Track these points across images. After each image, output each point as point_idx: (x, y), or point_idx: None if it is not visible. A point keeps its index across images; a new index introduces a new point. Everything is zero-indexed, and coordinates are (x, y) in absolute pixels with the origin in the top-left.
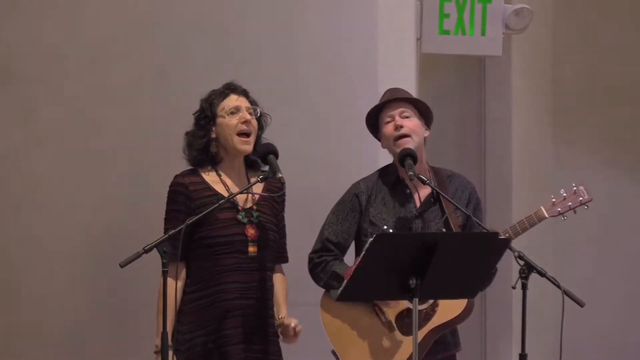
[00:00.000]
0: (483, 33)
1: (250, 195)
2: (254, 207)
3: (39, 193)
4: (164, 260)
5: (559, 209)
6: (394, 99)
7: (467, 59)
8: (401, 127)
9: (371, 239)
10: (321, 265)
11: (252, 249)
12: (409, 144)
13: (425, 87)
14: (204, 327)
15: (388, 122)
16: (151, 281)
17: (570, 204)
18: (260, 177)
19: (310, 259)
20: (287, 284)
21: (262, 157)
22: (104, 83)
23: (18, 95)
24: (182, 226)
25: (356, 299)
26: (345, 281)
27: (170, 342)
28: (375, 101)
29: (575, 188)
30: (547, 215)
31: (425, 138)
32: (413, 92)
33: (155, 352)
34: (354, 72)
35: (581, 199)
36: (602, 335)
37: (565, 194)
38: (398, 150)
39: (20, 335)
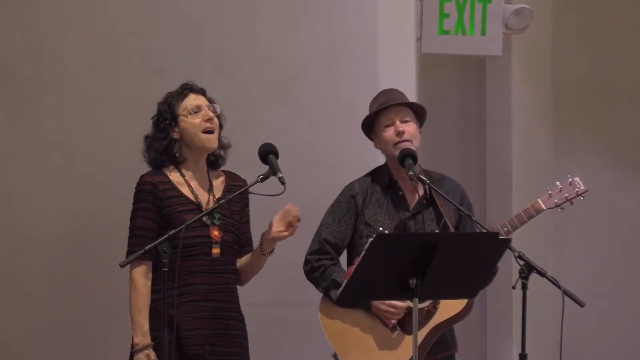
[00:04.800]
0: (483, 33)
1: (212, 197)
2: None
3: (38, 192)
4: (164, 260)
5: (556, 201)
6: (395, 104)
7: (467, 59)
8: (403, 133)
9: (371, 239)
10: (319, 270)
11: (215, 251)
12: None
13: (425, 87)
14: (166, 326)
15: (388, 126)
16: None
17: (566, 195)
18: (261, 177)
19: (308, 261)
20: None
21: (263, 157)
22: (104, 83)
23: (18, 95)
24: (182, 226)
25: (356, 299)
26: (345, 282)
27: (151, 342)
28: None
29: (570, 179)
30: (544, 207)
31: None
32: (413, 92)
33: (134, 351)
34: (354, 72)
35: (577, 189)
36: (602, 335)
37: (560, 186)
38: (397, 152)
39: (16, 334)
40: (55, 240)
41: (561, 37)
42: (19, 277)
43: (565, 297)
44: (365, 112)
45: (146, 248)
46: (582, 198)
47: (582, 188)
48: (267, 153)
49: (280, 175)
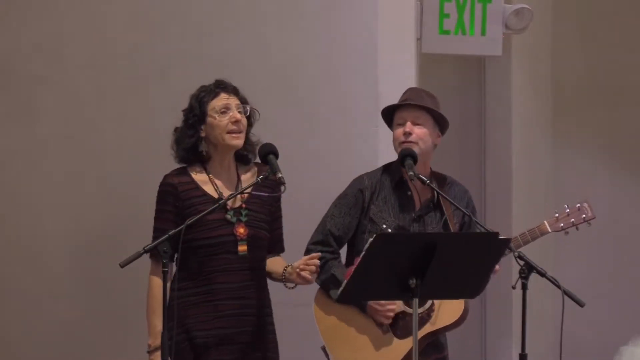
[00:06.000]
0: (483, 33)
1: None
2: (243, 206)
3: (39, 193)
4: (164, 261)
5: (562, 225)
6: (411, 104)
7: (467, 59)
8: (410, 134)
9: (371, 239)
10: (320, 262)
11: (241, 248)
12: (414, 148)
13: (425, 87)
14: (183, 325)
15: (399, 125)
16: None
17: (573, 220)
18: (261, 177)
19: (309, 250)
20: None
21: (262, 157)
22: (104, 83)
23: (18, 95)
24: (182, 226)
25: (356, 299)
26: (345, 281)
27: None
28: (375, 101)
29: (579, 205)
30: (549, 230)
31: (435, 144)
32: None
33: (148, 352)
34: (354, 72)
35: (584, 216)
36: (602, 335)
37: (568, 210)
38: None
39: (19, 335)
40: (55, 239)
41: (561, 37)
42: (19, 276)
43: (565, 297)
44: (365, 112)
45: (146, 248)
46: (588, 224)
47: (589, 214)
48: (267, 153)
49: (280, 175)
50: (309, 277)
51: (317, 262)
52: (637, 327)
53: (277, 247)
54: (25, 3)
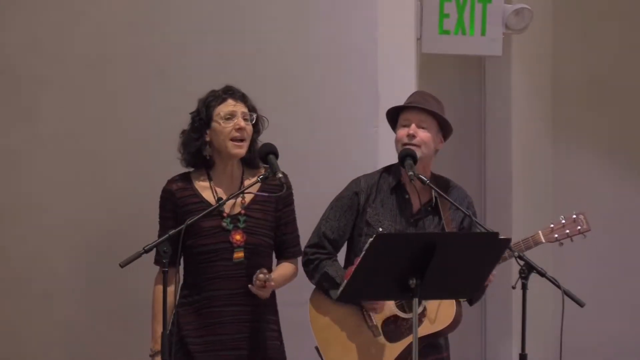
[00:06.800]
0: (483, 33)
1: (238, 200)
2: (242, 212)
3: (39, 193)
4: (164, 260)
5: (556, 236)
6: (417, 107)
7: (467, 59)
8: (414, 136)
9: (371, 239)
10: (314, 263)
11: (237, 255)
12: (416, 152)
13: (425, 87)
14: (181, 331)
15: (404, 126)
16: (151, 281)
17: (568, 231)
18: (260, 177)
19: (305, 253)
20: (290, 270)
21: (263, 157)
22: (104, 83)
23: (18, 95)
24: (182, 227)
25: (356, 298)
26: (345, 281)
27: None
28: (375, 101)
29: (574, 216)
30: (544, 241)
31: (437, 149)
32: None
33: (151, 356)
34: (354, 72)
35: (579, 227)
36: (602, 335)
37: (564, 221)
38: None
39: (20, 335)
40: (55, 240)
41: (561, 37)
42: (20, 276)
43: (565, 297)
44: (365, 112)
45: (145, 248)
46: (584, 237)
47: (584, 227)
48: (267, 153)
49: (279, 175)
50: (253, 289)
51: (262, 276)
52: (637, 327)
53: (287, 252)
54: (26, 3)
